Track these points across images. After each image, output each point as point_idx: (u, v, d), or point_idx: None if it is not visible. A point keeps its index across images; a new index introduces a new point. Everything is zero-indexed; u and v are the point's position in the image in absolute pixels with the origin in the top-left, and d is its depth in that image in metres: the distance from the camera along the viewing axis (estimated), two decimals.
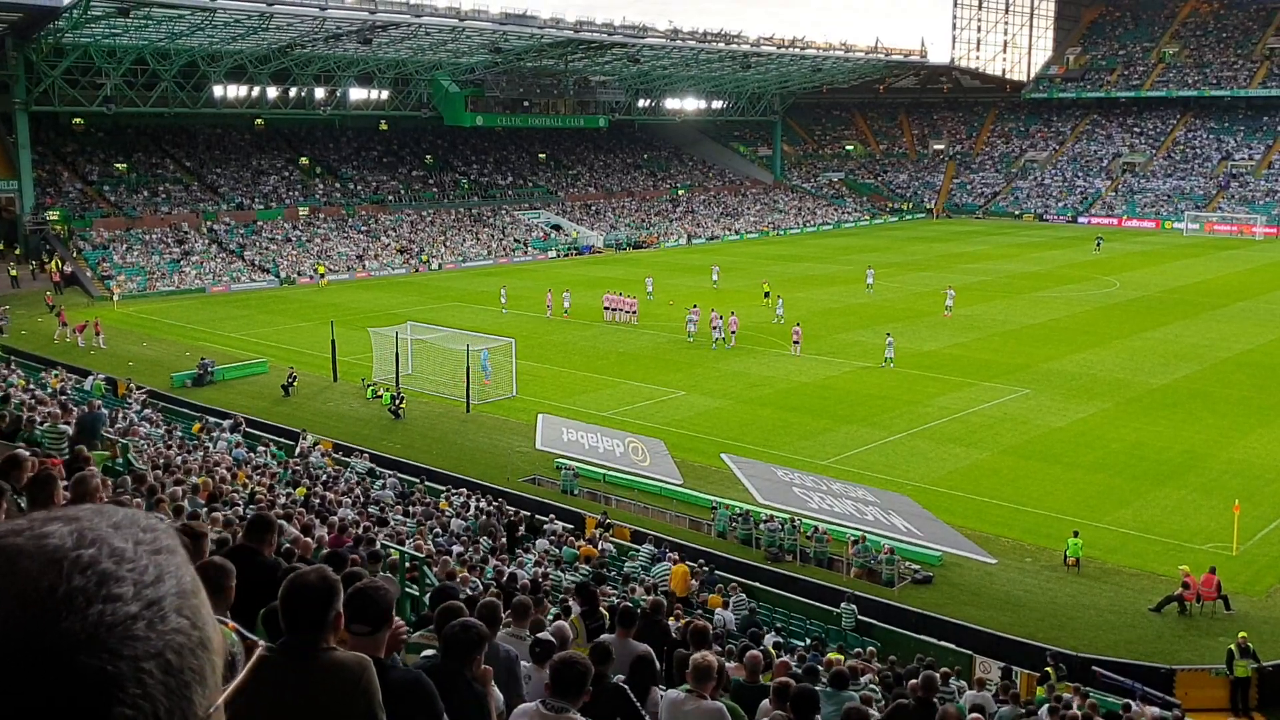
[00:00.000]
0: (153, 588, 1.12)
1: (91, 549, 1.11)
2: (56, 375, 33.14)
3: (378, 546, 14.23)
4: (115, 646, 1.06)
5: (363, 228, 77.04)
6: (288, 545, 10.74)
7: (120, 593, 1.09)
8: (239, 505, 16.17)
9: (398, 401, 36.68)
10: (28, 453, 7.45)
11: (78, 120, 74.47)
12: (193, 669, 1.11)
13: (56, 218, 66.64)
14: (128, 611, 1.09)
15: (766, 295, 54.62)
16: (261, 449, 28.69)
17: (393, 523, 20.71)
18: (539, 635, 7.69)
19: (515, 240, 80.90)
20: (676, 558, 22.87)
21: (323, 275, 66.27)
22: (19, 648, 1.03)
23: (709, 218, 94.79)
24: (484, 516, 24.16)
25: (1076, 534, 24.51)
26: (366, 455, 30.41)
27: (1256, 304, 55.72)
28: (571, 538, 24.35)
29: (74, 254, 64.03)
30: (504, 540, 22.27)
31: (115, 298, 58.07)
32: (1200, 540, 25.50)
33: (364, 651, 4.10)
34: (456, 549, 19.66)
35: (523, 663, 7.02)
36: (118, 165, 74.75)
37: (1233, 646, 19.42)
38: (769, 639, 17.92)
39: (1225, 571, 23.32)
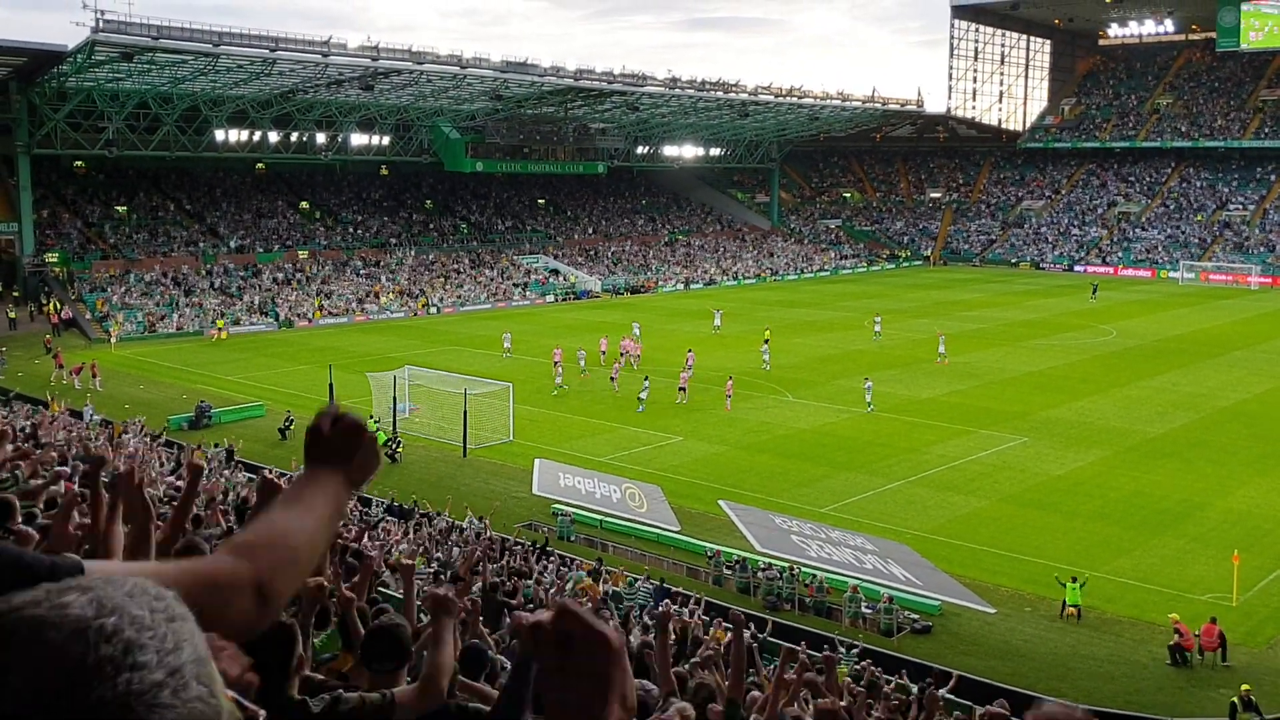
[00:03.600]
0: (173, 655, 1.15)
1: (113, 617, 1.14)
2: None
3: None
4: (144, 714, 1.09)
5: (362, 271, 77.29)
6: None
7: (145, 660, 1.12)
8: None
9: (393, 445, 36.60)
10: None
11: (79, 163, 74.88)
12: None
13: (56, 260, 66.85)
14: (154, 679, 1.11)
15: (766, 342, 54.67)
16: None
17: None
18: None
19: (514, 284, 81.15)
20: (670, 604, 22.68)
21: (221, 328, 62.50)
22: (53, 716, 1.06)
23: (707, 262, 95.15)
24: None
25: (1075, 579, 24.38)
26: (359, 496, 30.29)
27: (1253, 353, 55.85)
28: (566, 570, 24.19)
29: (73, 297, 64.16)
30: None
31: (113, 340, 58.08)
32: (1200, 590, 25.38)
33: (384, 688, 4.11)
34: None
35: None
36: (118, 208, 75.09)
37: (1235, 699, 19.26)
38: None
39: (1225, 623, 23.20)
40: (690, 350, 48.92)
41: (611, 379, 46.10)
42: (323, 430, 2.01)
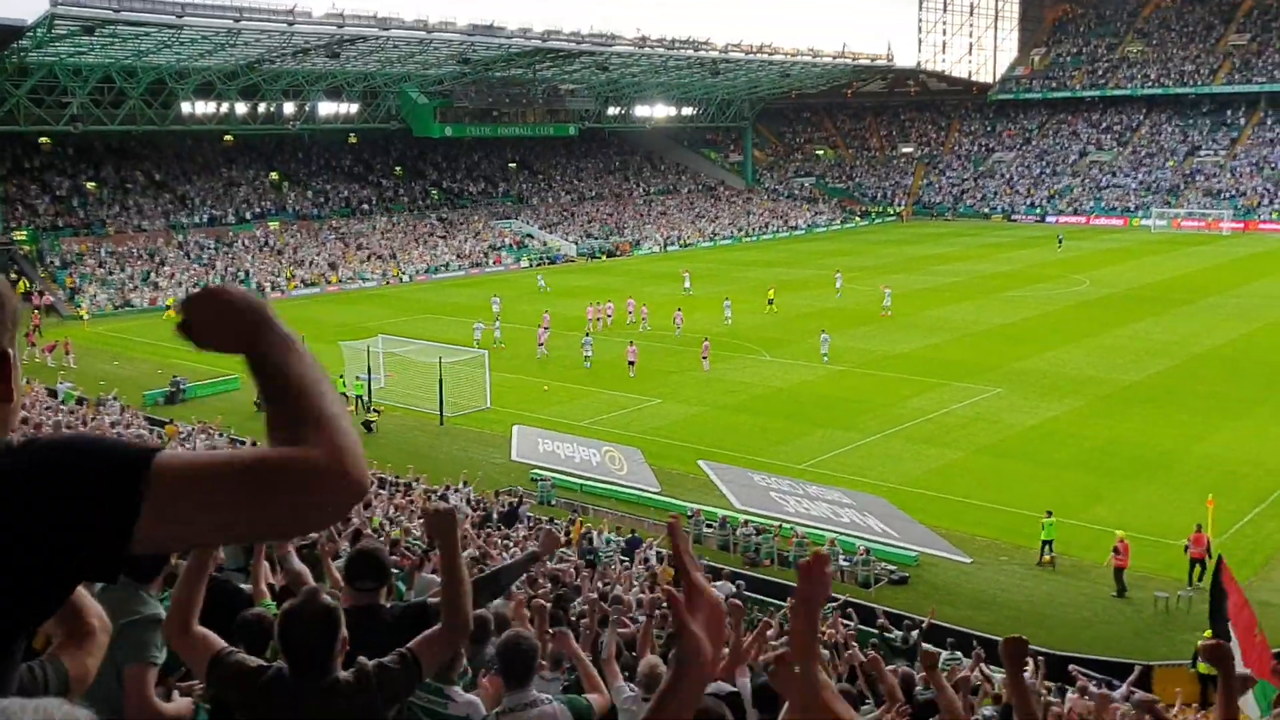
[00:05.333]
0: None
1: None
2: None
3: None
4: None
5: (334, 237, 76.79)
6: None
7: None
8: None
9: (370, 410, 36.62)
10: None
11: (45, 139, 73.86)
12: None
13: (24, 238, 66.09)
14: None
15: (771, 302, 54.74)
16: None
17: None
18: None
19: (490, 247, 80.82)
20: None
21: (169, 306, 58.14)
22: None
23: (683, 222, 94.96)
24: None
25: (1050, 514, 24.74)
26: None
27: (1225, 299, 56.28)
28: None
29: (43, 275, 63.48)
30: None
31: (85, 316, 57.59)
32: (1174, 535, 25.69)
33: (367, 601, 4.44)
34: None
35: None
36: (87, 183, 74.21)
37: (1198, 644, 19.58)
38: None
39: (1201, 565, 23.61)
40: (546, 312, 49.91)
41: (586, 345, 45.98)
42: (191, 321, 1.87)
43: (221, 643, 3.71)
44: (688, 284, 62.30)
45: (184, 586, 3.78)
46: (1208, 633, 19.79)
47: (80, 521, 1.60)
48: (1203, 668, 19.33)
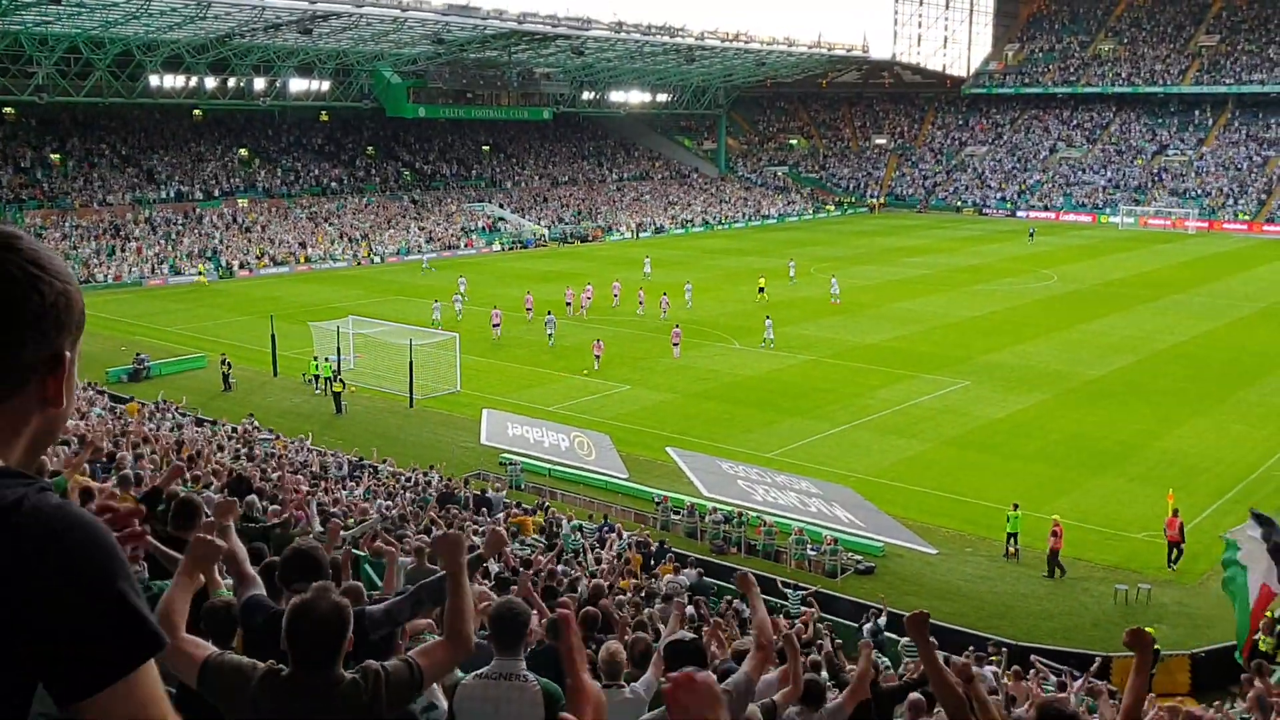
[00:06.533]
0: None
1: None
2: None
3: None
4: None
5: (304, 216, 76.16)
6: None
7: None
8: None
9: (337, 379, 36.41)
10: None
11: (9, 110, 72.74)
12: None
13: None
14: None
15: (762, 290, 54.76)
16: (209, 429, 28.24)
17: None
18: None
19: (462, 230, 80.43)
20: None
21: (203, 273, 63.63)
22: None
23: (655, 208, 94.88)
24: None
25: (1016, 507, 24.98)
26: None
27: (1190, 297, 56.90)
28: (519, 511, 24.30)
29: None
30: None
31: None
32: (1136, 529, 26.04)
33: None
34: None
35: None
36: (52, 155, 73.14)
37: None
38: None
39: (1160, 559, 23.93)
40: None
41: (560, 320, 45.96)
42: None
43: (210, 647, 3.60)
44: (648, 269, 62.17)
45: (175, 593, 3.66)
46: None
47: (47, 652, 1.57)
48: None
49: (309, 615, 3.40)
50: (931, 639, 5.10)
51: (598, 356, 41.17)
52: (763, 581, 22.04)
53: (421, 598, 4.94)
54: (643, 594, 16.30)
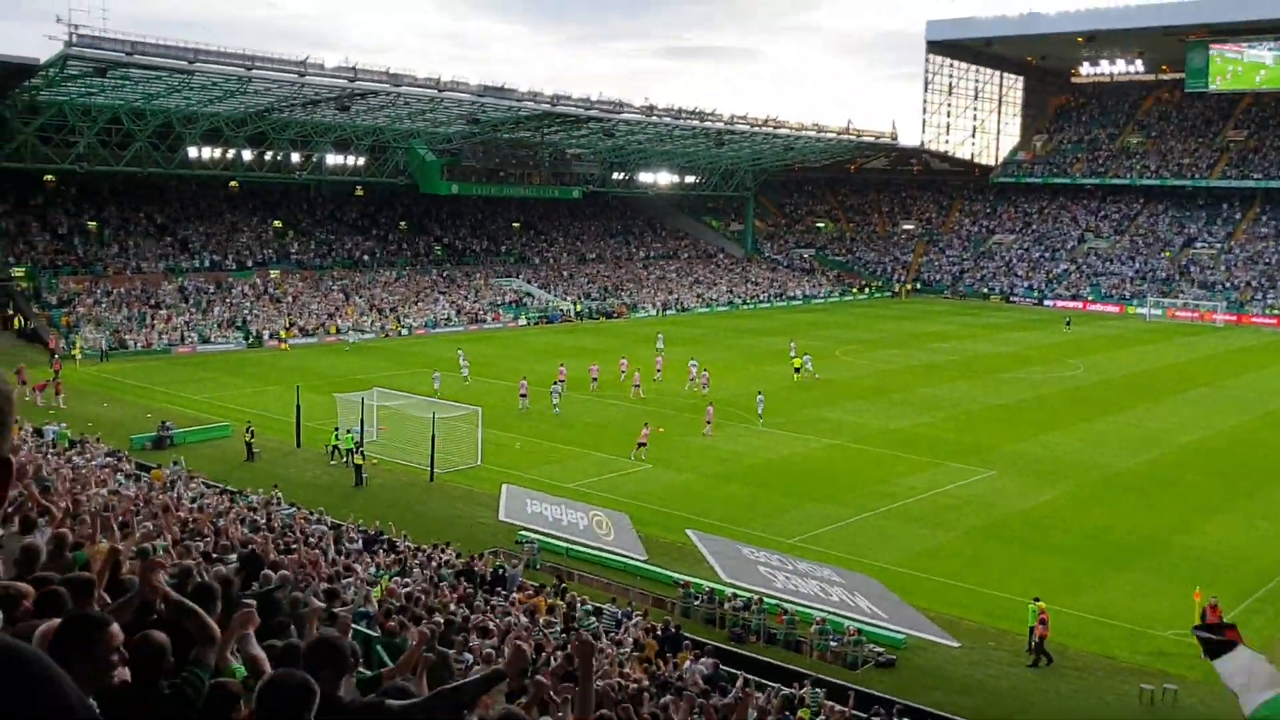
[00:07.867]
0: None
1: None
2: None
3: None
4: None
5: (335, 288, 76.96)
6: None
7: None
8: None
9: (358, 451, 36.49)
10: None
11: (49, 176, 74.28)
12: None
13: (22, 274, 66.15)
14: None
15: (797, 371, 54.98)
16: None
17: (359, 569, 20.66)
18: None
19: (489, 304, 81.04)
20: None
21: (284, 340, 66.01)
22: None
23: (680, 287, 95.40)
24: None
25: (1037, 600, 24.58)
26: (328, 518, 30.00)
27: (1216, 390, 56.44)
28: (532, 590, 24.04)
29: (37, 312, 63.46)
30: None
31: (78, 356, 57.42)
32: (1161, 626, 25.52)
33: (325, 692, 4.20)
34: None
35: None
36: (89, 222, 74.43)
37: None
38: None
39: (1185, 662, 23.41)
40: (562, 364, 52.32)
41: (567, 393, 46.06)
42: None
43: None
44: (660, 344, 62.67)
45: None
46: None
47: None
48: None
49: (279, 688, 3.60)
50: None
51: (642, 444, 39.50)
52: (781, 673, 21.74)
53: (464, 696, 4.87)
54: (658, 683, 16.04)
